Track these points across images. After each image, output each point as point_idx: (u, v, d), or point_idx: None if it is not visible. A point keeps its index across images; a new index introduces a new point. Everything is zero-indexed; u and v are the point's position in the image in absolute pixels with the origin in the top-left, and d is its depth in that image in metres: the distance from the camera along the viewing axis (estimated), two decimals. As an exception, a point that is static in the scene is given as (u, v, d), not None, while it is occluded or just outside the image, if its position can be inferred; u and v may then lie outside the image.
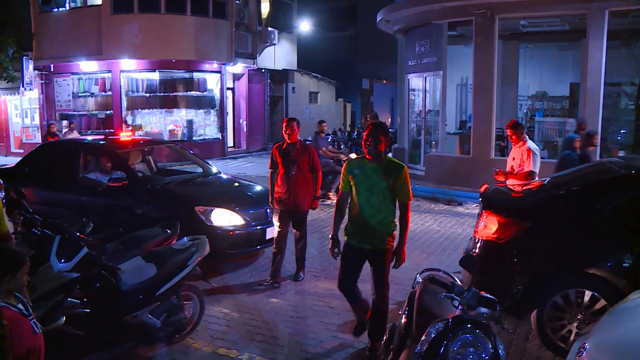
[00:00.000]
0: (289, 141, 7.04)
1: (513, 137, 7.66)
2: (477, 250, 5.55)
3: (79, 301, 4.69)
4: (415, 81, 17.38)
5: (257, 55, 24.57)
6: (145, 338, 5.20)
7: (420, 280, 4.38)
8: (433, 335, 3.33)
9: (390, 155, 5.38)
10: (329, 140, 18.79)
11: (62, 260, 4.58)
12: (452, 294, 3.46)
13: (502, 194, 6.36)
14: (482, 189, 6.51)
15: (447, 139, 15.86)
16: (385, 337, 4.64)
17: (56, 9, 22.41)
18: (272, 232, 7.17)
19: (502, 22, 13.93)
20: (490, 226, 5.46)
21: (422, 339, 3.40)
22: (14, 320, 2.98)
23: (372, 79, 34.81)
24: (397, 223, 5.00)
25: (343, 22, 37.08)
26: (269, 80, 26.42)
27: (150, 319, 5.02)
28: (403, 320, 4.20)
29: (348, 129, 29.89)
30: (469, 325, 3.27)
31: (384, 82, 34.76)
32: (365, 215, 4.91)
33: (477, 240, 5.64)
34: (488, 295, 3.39)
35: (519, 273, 5.37)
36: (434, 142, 16.42)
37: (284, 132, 7.07)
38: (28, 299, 3.24)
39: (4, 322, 2.96)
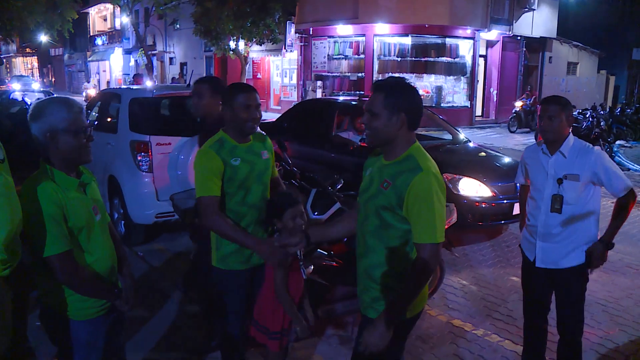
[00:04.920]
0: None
1: None
2: None
3: (326, 253, 4.85)
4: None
5: (514, 21, 23.49)
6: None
7: None
8: None
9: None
10: (587, 116, 17.35)
11: (316, 213, 4.77)
12: None
13: None
14: None
15: None
16: None
17: (320, -25, 23.55)
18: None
19: None
20: None
21: None
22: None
23: (645, 48, 31.10)
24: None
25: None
26: (524, 49, 25.12)
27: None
28: None
29: (609, 104, 27.27)
30: None
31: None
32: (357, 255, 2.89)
33: None
34: None
35: None
36: None
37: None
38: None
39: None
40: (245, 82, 24.82)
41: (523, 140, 19.06)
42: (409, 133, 2.62)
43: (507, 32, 23.60)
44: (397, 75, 3.25)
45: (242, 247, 3.21)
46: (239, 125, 3.27)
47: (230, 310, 3.45)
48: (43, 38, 43.46)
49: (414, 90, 2.63)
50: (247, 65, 26.37)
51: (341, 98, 13.38)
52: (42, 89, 22.87)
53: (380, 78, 22.08)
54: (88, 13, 50.71)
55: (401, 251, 2.61)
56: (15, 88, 20.18)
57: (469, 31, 22.24)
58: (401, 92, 2.58)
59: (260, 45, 24.38)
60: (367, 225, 2.69)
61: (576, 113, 18.27)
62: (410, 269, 2.54)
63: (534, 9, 23.78)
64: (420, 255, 2.51)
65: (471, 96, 22.95)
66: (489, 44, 24.14)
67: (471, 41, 22.57)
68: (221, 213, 3.22)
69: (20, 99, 16.57)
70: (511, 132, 21.47)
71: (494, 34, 23.25)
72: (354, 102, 9.36)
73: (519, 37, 24.57)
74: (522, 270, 4.03)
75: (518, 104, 21.87)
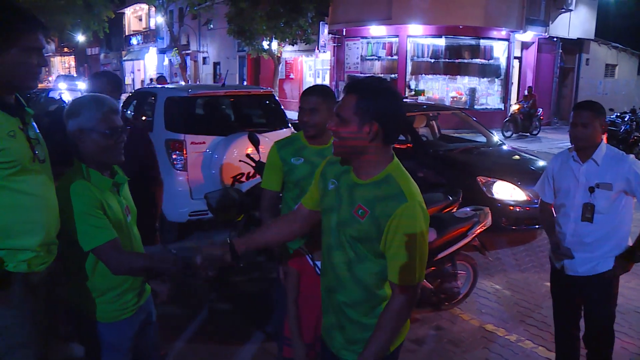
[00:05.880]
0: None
1: None
2: None
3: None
4: None
5: (550, 22, 23.11)
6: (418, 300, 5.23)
7: None
8: None
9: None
10: (626, 119, 17.01)
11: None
12: None
13: None
14: None
15: None
16: None
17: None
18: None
19: None
20: None
21: None
22: (301, 263, 3.01)
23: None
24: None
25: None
26: (560, 50, 24.70)
27: (425, 283, 5.03)
28: None
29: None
30: None
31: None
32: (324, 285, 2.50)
33: None
34: None
35: None
36: None
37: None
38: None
39: (292, 268, 3.03)
40: (277, 82, 24.99)
41: (558, 144, 18.74)
42: (384, 147, 2.20)
43: (543, 34, 23.24)
44: (379, 75, 3.16)
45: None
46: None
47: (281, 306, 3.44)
48: (80, 38, 44.21)
49: (394, 95, 2.19)
50: (280, 65, 26.47)
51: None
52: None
53: (413, 79, 22.11)
54: (124, 13, 51.47)
55: (380, 289, 2.27)
56: (62, 88, 20.43)
57: (503, 32, 21.97)
58: (376, 96, 2.14)
59: (293, 45, 24.45)
60: (338, 255, 2.29)
61: (614, 116, 17.93)
62: (384, 312, 2.21)
63: (571, 10, 23.37)
64: (396, 297, 2.18)
65: (505, 98, 22.68)
66: (524, 46, 23.81)
67: (506, 42, 22.29)
68: (269, 208, 3.37)
69: (58, 97, 16.84)
70: (505, 137, 19.31)
71: (529, 35, 22.91)
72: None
73: (555, 39, 24.16)
74: (550, 278, 3.94)
75: (515, 107, 20.61)
